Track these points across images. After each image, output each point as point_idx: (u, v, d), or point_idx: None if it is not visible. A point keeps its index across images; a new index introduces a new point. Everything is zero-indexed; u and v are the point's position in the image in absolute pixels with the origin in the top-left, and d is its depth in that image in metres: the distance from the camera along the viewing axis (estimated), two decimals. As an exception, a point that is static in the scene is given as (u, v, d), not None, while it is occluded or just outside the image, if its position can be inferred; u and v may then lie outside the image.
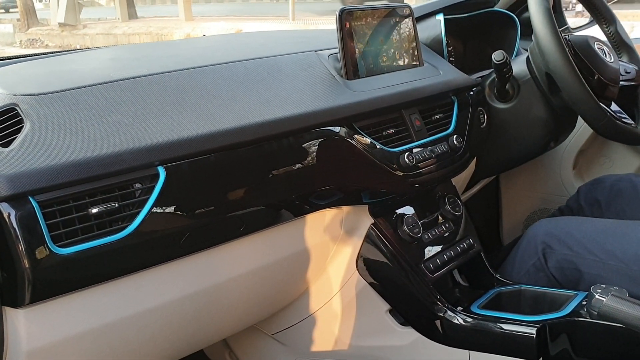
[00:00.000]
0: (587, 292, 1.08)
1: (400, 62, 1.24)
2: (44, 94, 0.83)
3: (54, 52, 1.15)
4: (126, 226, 0.78)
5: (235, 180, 0.89)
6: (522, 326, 1.08)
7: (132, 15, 12.53)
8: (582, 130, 1.67)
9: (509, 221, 1.85)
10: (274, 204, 0.96)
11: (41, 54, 1.10)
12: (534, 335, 1.06)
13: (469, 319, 1.13)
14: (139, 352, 0.93)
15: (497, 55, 1.27)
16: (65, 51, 1.17)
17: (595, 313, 1.01)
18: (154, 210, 0.79)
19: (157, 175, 0.80)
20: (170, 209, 0.82)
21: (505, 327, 1.10)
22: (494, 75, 1.34)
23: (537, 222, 1.30)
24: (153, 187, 0.80)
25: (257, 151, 0.92)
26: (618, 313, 0.96)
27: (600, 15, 1.44)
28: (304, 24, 10.87)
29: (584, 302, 1.08)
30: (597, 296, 1.01)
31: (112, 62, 1.02)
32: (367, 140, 1.07)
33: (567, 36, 1.30)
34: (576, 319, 1.06)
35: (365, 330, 1.20)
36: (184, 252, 0.85)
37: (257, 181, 0.92)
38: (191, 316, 0.95)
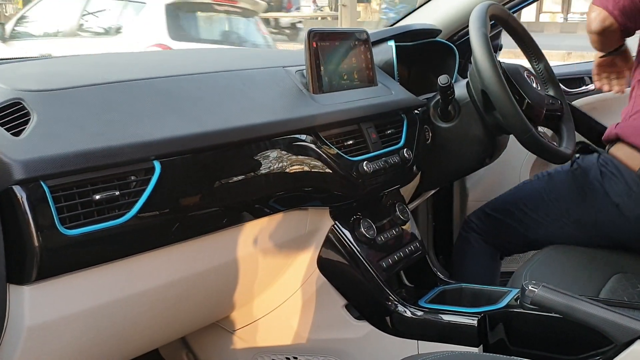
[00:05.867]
0: (520, 288, 1.23)
1: (358, 81, 1.37)
2: (47, 90, 0.90)
3: (42, 57, 1.21)
4: (125, 213, 0.86)
5: (220, 177, 0.99)
6: (464, 317, 1.21)
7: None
8: None
9: None
10: (251, 201, 1.05)
11: (28, 57, 1.17)
12: (475, 325, 1.19)
13: (418, 312, 1.26)
14: (121, 336, 0.99)
15: (442, 79, 1.42)
16: (53, 57, 1.23)
17: (528, 303, 1.16)
18: (150, 200, 0.88)
19: (153, 169, 0.89)
20: (164, 200, 0.90)
21: (450, 318, 1.23)
22: (438, 97, 1.49)
23: None
24: (149, 179, 0.88)
25: (237, 153, 1.02)
26: (548, 301, 1.10)
27: (532, 53, 1.62)
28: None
29: (518, 296, 1.23)
30: (529, 288, 1.15)
31: (101, 66, 1.10)
32: (330, 148, 1.19)
33: (500, 62, 1.47)
34: (512, 310, 1.21)
35: (323, 324, 1.30)
36: (175, 239, 0.94)
37: (238, 180, 1.01)
38: (172, 303, 1.02)
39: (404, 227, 1.41)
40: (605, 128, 1.63)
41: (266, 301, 1.31)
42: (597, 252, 1.49)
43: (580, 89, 1.96)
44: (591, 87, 1.94)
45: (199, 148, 0.95)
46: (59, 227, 0.79)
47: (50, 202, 0.79)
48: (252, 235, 1.11)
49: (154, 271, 0.95)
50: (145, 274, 0.94)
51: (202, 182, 0.96)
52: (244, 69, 1.21)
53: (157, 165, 0.89)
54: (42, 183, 0.78)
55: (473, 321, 1.20)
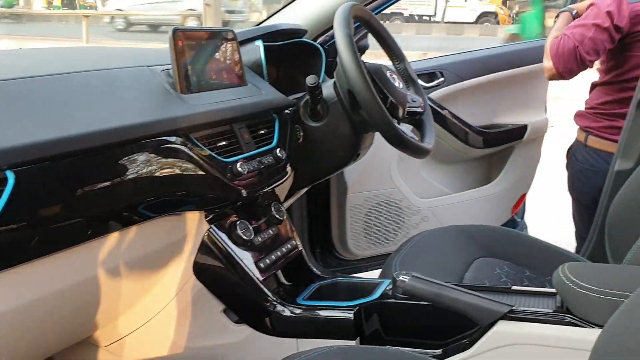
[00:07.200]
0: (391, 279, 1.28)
1: (227, 81, 1.35)
2: None
3: None
4: None
5: (83, 185, 0.92)
6: (341, 311, 1.24)
7: None
8: None
9: (352, 219, 2.09)
10: (118, 209, 1.00)
11: None
12: (352, 318, 1.22)
13: (296, 311, 1.27)
14: None
15: (310, 79, 1.44)
16: None
17: (400, 293, 1.21)
18: (5, 214, 0.80)
19: (5, 179, 0.81)
20: (21, 212, 0.83)
21: (327, 313, 1.25)
22: (307, 97, 1.51)
23: None
24: (2, 191, 0.81)
25: (101, 158, 0.96)
26: (418, 290, 1.16)
27: (393, 53, 1.69)
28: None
29: (390, 287, 1.28)
30: (400, 278, 1.20)
31: None
32: (203, 150, 1.16)
33: (365, 62, 1.51)
34: (385, 301, 1.25)
35: (201, 331, 1.27)
36: (35, 255, 0.86)
37: (103, 187, 0.96)
38: (36, 323, 0.95)
39: (280, 226, 1.41)
40: (458, 118, 1.74)
41: (140, 312, 1.25)
42: (459, 239, 1.59)
43: (434, 82, 2.11)
44: (441, 80, 2.12)
45: (58, 155, 0.88)
46: None
47: None
48: (121, 245, 1.05)
49: (12, 291, 0.87)
50: (3, 295, 0.86)
51: (62, 192, 0.89)
52: (105, 69, 1.14)
53: (11, 175, 0.82)
54: None
55: (349, 314, 1.23)
